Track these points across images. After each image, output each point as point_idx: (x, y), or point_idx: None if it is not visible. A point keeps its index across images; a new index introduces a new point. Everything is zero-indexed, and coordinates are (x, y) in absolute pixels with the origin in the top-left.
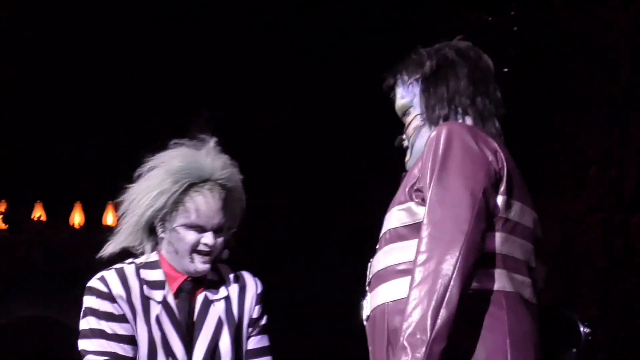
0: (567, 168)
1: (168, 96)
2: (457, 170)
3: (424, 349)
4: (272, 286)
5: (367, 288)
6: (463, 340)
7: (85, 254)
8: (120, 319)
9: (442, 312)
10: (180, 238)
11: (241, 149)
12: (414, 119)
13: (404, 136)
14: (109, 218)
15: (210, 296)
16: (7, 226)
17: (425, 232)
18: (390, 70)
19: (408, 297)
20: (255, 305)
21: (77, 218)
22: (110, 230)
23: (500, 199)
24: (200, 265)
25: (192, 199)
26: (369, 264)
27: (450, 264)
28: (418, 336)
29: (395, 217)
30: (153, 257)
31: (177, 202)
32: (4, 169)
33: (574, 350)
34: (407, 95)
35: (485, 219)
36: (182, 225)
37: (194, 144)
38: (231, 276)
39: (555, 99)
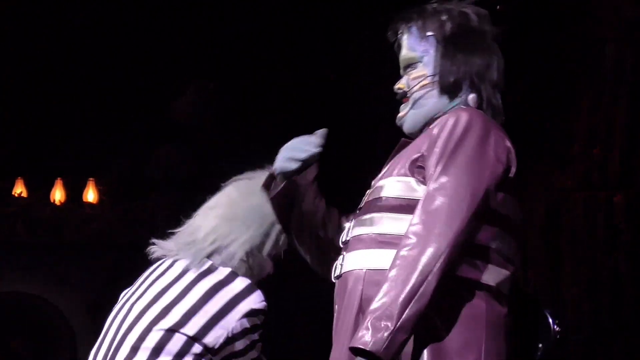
0: (553, 144)
1: (152, 71)
2: (465, 165)
3: (385, 335)
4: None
5: (341, 245)
6: (440, 325)
7: (67, 229)
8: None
9: (413, 304)
10: (266, 266)
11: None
12: (422, 76)
13: (403, 87)
14: (89, 195)
15: None
16: None
17: (417, 218)
18: (401, 16)
19: (386, 275)
20: None
21: (57, 194)
22: (90, 207)
23: (500, 196)
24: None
25: (282, 234)
26: (349, 223)
27: (432, 259)
28: (383, 323)
29: (392, 187)
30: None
31: (278, 236)
32: None
33: (541, 345)
34: (418, 49)
35: (480, 218)
36: (271, 255)
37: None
38: None
39: (541, 75)
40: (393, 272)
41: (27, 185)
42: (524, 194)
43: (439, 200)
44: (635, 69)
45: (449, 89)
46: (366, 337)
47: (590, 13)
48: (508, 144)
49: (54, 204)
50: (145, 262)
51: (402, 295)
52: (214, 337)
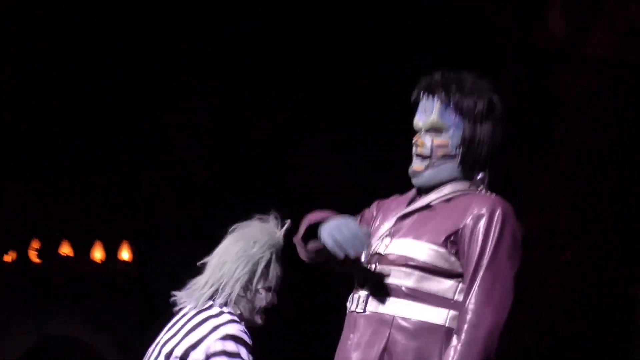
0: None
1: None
2: (507, 260)
3: None
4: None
5: (365, 281)
6: None
7: (105, 282)
8: None
9: None
10: (262, 298)
11: None
12: (445, 145)
13: (423, 146)
14: (124, 254)
15: None
16: (40, 260)
17: (475, 289)
18: (440, 81)
19: (457, 344)
20: None
21: (98, 253)
22: (125, 264)
23: None
24: (262, 320)
25: (274, 265)
26: (371, 261)
27: (496, 328)
28: None
29: (426, 253)
30: (233, 312)
31: (269, 268)
32: (35, 212)
33: None
34: (447, 119)
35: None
36: (265, 287)
37: (263, 218)
38: None
39: None
40: (463, 346)
41: (72, 245)
42: None
43: (493, 290)
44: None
45: (467, 166)
46: None
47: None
48: (523, 232)
49: (94, 261)
50: (167, 308)
51: None
52: (195, 357)
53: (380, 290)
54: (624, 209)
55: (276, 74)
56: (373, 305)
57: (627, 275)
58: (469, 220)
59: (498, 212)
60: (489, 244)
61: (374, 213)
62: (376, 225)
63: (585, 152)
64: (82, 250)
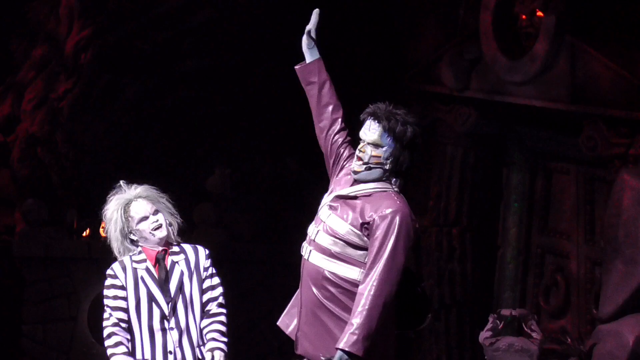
0: (417, 201)
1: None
2: (401, 252)
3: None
4: None
5: (312, 238)
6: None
7: None
8: (121, 287)
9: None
10: (142, 229)
11: None
12: (379, 157)
13: (364, 155)
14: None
15: (175, 259)
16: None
17: (377, 270)
18: (385, 114)
19: (357, 302)
20: (206, 259)
21: None
22: None
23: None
24: (158, 233)
25: (131, 209)
26: (317, 224)
27: (390, 298)
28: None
29: (348, 231)
30: (138, 250)
31: (127, 217)
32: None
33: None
34: (385, 140)
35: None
36: (138, 222)
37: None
38: (186, 246)
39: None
40: (367, 298)
41: None
42: None
43: (390, 267)
44: (462, 162)
45: (391, 174)
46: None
47: (433, 128)
48: (416, 225)
49: None
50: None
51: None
52: None
53: (318, 248)
54: None
55: None
56: (313, 258)
57: None
58: (377, 217)
59: (398, 216)
60: (389, 238)
61: (343, 160)
62: (333, 180)
63: None
64: None
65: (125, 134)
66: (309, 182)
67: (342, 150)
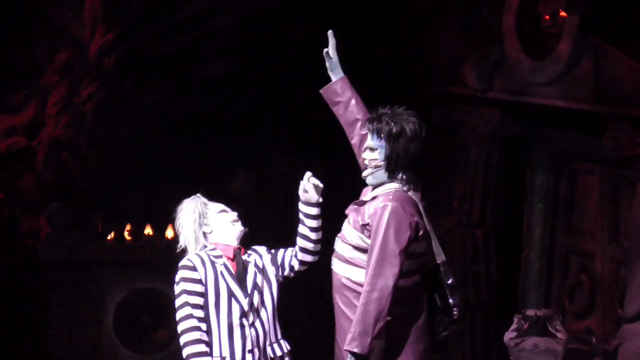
0: (441, 203)
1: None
2: (392, 243)
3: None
4: None
5: (334, 247)
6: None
7: (175, 254)
8: (199, 281)
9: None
10: (221, 220)
11: None
12: (375, 159)
13: (366, 160)
14: None
15: (246, 258)
16: (131, 238)
17: (370, 266)
18: (374, 116)
19: (363, 297)
20: (267, 252)
21: (169, 233)
22: None
23: (413, 245)
24: (238, 225)
25: (210, 203)
26: (339, 234)
27: (385, 292)
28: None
29: (354, 235)
30: (210, 245)
31: (206, 208)
32: (127, 205)
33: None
34: (377, 142)
35: (401, 265)
36: (218, 212)
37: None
38: (250, 248)
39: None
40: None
41: (153, 228)
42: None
43: (383, 260)
44: (486, 163)
45: (391, 172)
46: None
47: (457, 129)
48: (414, 219)
49: (167, 239)
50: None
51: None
52: None
53: (337, 256)
54: None
55: None
56: (335, 266)
57: None
58: (371, 214)
59: (387, 209)
60: (379, 232)
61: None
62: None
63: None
64: (159, 230)
65: (149, 137)
66: (334, 185)
67: None
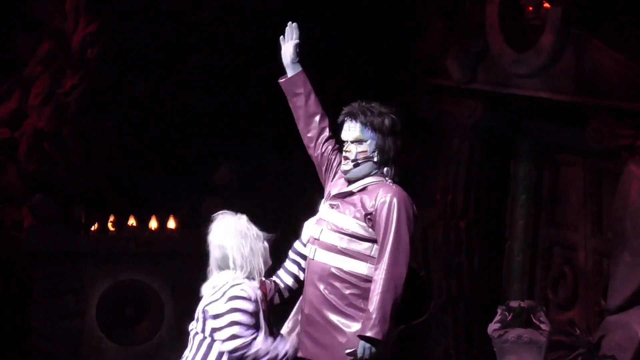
0: (425, 194)
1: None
2: (405, 233)
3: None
4: None
5: (317, 237)
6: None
7: (158, 245)
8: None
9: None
10: (266, 249)
11: None
12: (365, 151)
13: (351, 153)
14: (170, 224)
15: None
16: (114, 229)
17: (386, 255)
18: (359, 110)
19: (373, 288)
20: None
21: (153, 224)
22: (171, 231)
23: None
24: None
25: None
26: (320, 224)
27: (400, 280)
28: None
29: (353, 224)
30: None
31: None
32: (110, 196)
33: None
34: (366, 134)
35: (411, 253)
36: (263, 241)
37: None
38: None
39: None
40: (379, 291)
41: (136, 219)
42: None
43: (397, 251)
44: (469, 155)
45: (380, 165)
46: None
47: (440, 121)
48: (414, 208)
49: (151, 229)
50: (202, 265)
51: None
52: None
53: (324, 246)
54: None
55: None
56: (319, 256)
57: None
58: (378, 205)
59: (395, 199)
60: (392, 222)
61: (334, 166)
62: (328, 185)
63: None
64: (143, 222)
65: (133, 129)
66: (315, 177)
67: (332, 157)
